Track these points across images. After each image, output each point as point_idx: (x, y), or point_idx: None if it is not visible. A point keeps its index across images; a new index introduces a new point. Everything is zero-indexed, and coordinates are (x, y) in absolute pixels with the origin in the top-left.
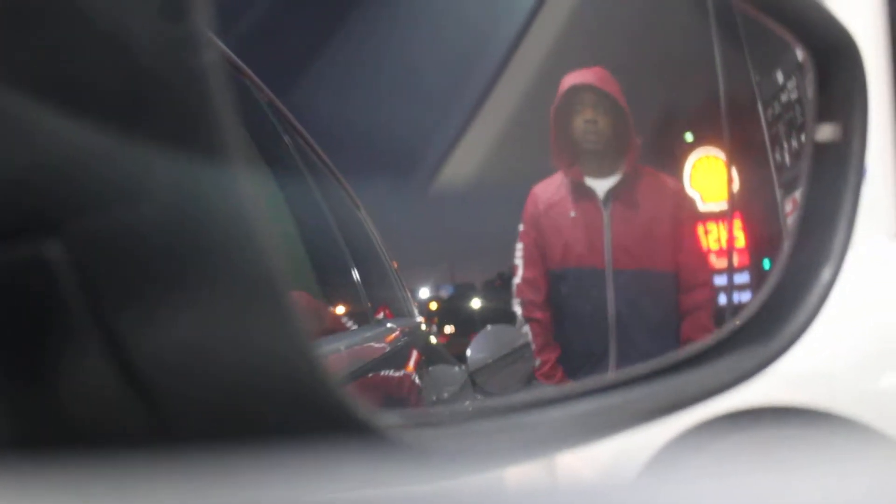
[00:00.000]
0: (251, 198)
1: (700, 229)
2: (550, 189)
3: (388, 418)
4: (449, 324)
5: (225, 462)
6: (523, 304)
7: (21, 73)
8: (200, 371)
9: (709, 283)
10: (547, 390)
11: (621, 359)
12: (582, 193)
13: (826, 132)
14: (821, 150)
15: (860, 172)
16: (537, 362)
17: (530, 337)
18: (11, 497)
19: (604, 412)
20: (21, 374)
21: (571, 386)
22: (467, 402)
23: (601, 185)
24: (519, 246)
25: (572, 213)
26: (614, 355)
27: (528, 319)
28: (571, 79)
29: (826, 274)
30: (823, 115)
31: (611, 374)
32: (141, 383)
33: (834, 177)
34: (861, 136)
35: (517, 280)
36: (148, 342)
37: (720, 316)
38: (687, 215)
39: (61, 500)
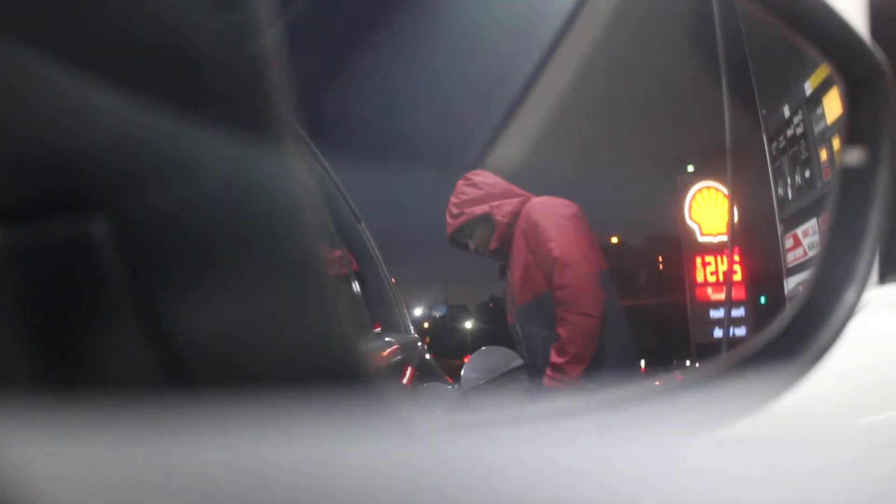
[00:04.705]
0: (299, 187)
1: (698, 261)
2: None
3: (429, 419)
4: (440, 342)
5: (245, 426)
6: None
7: (74, 53)
8: (234, 353)
9: None
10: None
11: None
12: None
13: (854, 156)
14: (848, 173)
15: (887, 196)
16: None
17: (576, 334)
18: (35, 435)
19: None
20: (59, 342)
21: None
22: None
23: None
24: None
25: None
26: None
27: (587, 315)
28: None
29: (851, 295)
30: (852, 139)
31: (631, 387)
32: (174, 361)
33: (860, 200)
34: (889, 160)
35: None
36: (185, 322)
37: (716, 349)
38: None
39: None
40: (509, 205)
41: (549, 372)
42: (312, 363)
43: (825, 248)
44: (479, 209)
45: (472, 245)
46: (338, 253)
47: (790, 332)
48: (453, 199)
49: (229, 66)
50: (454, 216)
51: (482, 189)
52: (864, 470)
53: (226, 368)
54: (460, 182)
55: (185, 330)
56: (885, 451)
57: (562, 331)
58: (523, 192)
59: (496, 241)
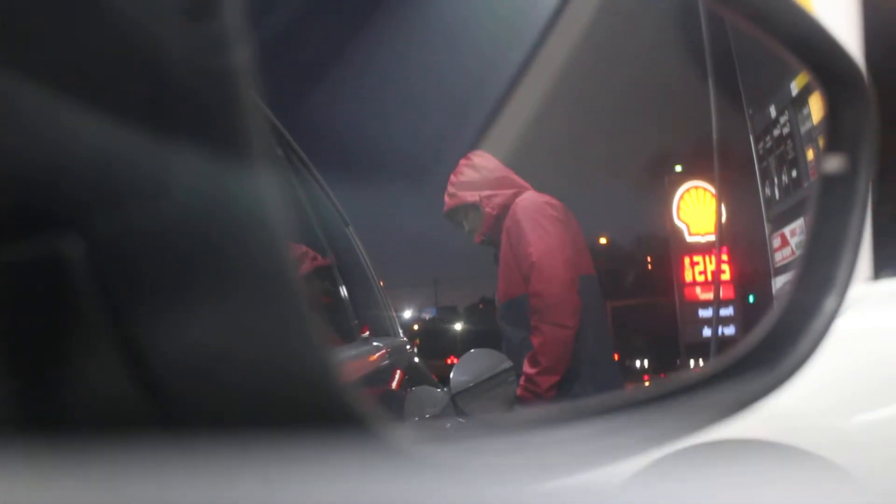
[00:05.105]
0: (272, 200)
1: (686, 261)
2: None
3: (400, 430)
4: (429, 345)
5: (230, 459)
6: (570, 308)
7: (45, 70)
8: (214, 372)
9: None
10: (548, 409)
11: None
12: None
13: (834, 163)
14: (828, 180)
15: (866, 204)
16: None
17: (548, 344)
18: (14, 479)
19: (611, 435)
20: (32, 368)
21: (581, 405)
22: (478, 418)
23: None
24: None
25: None
26: None
27: (561, 326)
28: None
29: (830, 304)
30: (832, 146)
31: (612, 395)
32: (153, 383)
33: (840, 207)
34: (868, 167)
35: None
36: (163, 343)
37: (705, 348)
38: None
39: (63, 484)
40: (500, 197)
41: (521, 382)
42: (286, 381)
43: (805, 256)
44: (471, 196)
45: (466, 226)
46: (324, 257)
47: (769, 341)
48: (452, 178)
49: (203, 80)
50: (450, 195)
51: (479, 173)
52: (857, 462)
53: (204, 387)
54: (462, 161)
55: (162, 350)
56: (881, 447)
57: (535, 340)
58: (521, 182)
59: (483, 234)
